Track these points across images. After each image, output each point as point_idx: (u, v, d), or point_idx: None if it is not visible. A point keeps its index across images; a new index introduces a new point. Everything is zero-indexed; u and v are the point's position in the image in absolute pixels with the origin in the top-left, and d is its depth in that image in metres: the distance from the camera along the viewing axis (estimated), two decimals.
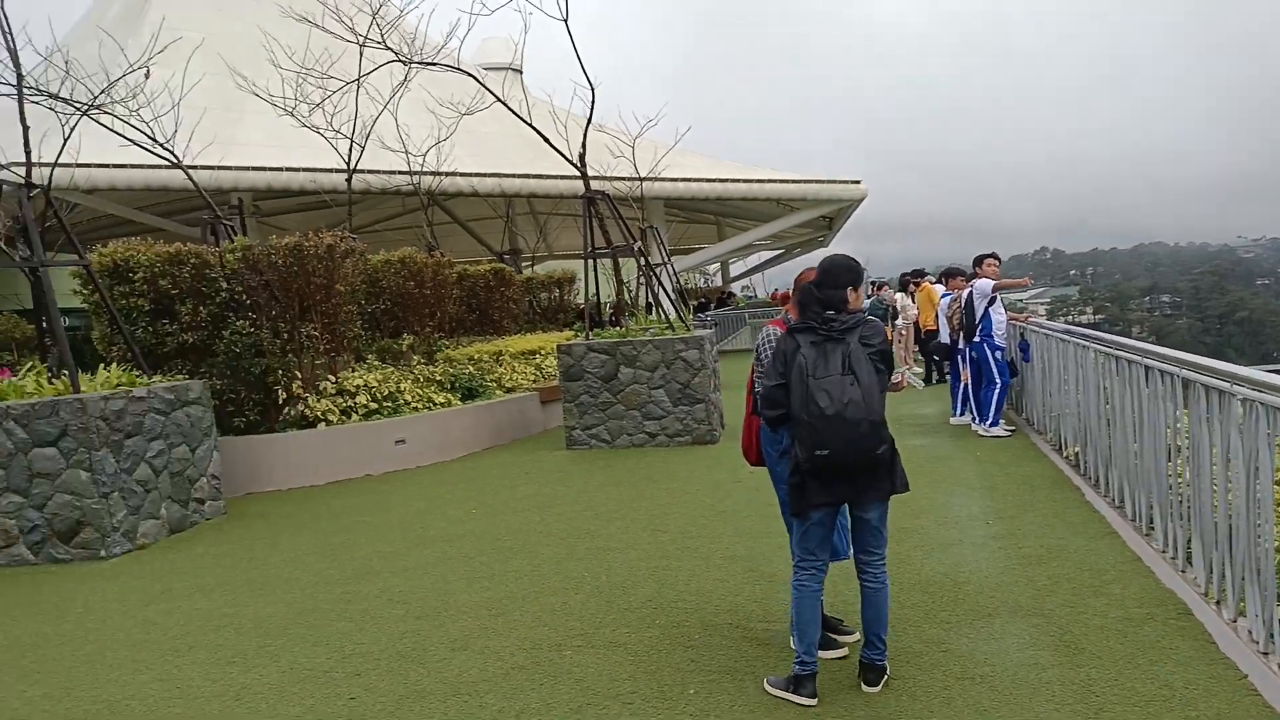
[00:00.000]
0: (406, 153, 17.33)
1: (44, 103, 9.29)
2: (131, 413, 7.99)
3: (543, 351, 15.32)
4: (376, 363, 12.14)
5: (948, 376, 13.73)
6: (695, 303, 33.41)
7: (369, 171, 17.22)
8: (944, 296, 12.64)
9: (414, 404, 11.55)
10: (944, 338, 12.40)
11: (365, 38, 12.84)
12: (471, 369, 13.28)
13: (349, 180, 15.51)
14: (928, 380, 16.02)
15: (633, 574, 5.98)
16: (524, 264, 27.31)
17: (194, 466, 8.70)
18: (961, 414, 11.43)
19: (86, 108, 9.59)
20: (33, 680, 4.96)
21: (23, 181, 8.07)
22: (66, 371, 8.00)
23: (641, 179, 19.92)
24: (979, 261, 10.85)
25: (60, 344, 8.14)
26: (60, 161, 9.09)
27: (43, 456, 7.55)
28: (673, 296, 14.35)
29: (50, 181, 8.49)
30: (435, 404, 11.84)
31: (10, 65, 8.19)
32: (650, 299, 13.81)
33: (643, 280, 14.56)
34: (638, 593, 5.59)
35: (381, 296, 13.35)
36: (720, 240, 36.24)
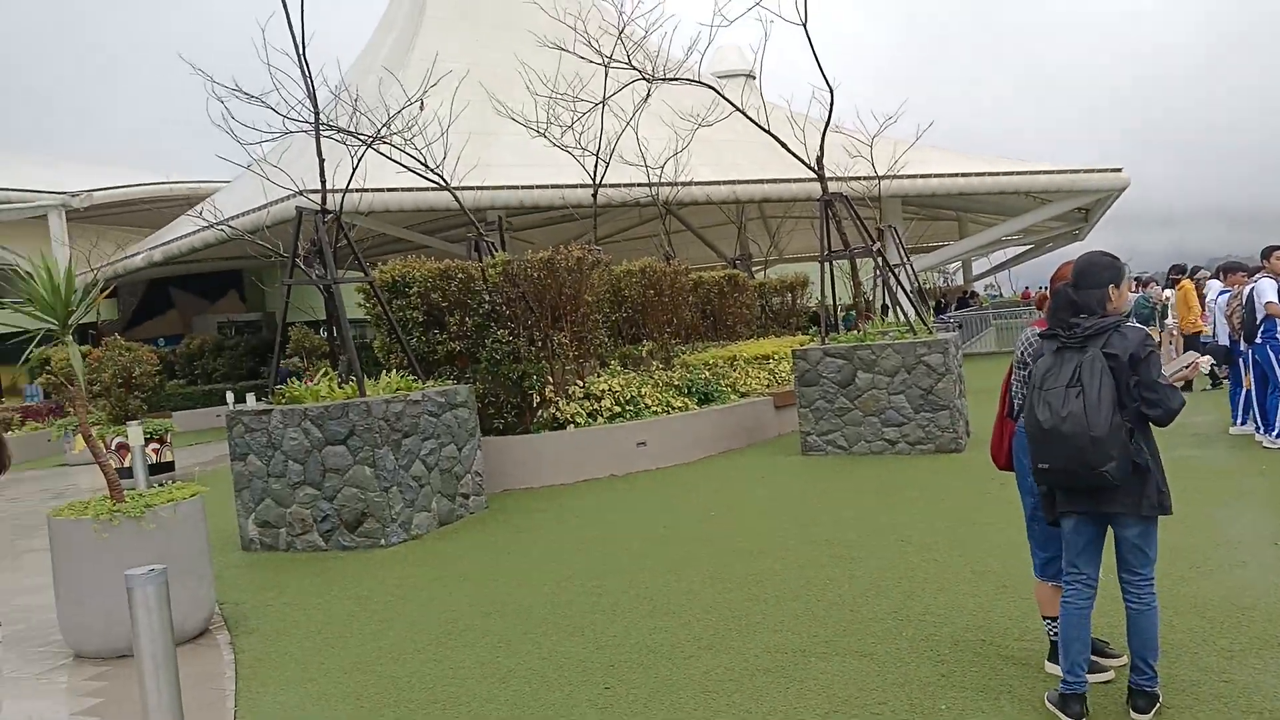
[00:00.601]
0: (645, 165, 17.92)
1: (335, 137, 10.45)
2: (408, 415, 8.83)
3: (776, 356, 15.36)
4: (619, 368, 12.67)
5: (1225, 381, 12.48)
6: (934, 303, 32.21)
7: (611, 185, 17.98)
8: (1221, 293, 11.52)
9: (654, 408, 11.96)
10: (1223, 339, 11.29)
11: (611, 59, 13.44)
12: (707, 374, 13.55)
13: (594, 195, 16.26)
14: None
15: (876, 583, 5.93)
16: (755, 269, 27.43)
17: (460, 464, 9.47)
18: (1243, 423, 10.37)
19: (371, 140, 10.70)
20: (328, 654, 5.63)
21: (319, 208, 9.14)
22: (354, 378, 8.96)
23: (879, 178, 19.48)
24: (1267, 254, 9.79)
25: (349, 353, 9.14)
26: (344, 187, 10.20)
27: (334, 454, 8.50)
28: (911, 297, 13.97)
29: (341, 207, 9.56)
30: (674, 408, 12.19)
31: (309, 106, 9.31)
32: (888, 301, 13.52)
33: (880, 282, 14.27)
34: (882, 603, 5.53)
35: (623, 305, 13.90)
36: (962, 237, 34.69)
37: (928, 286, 37.00)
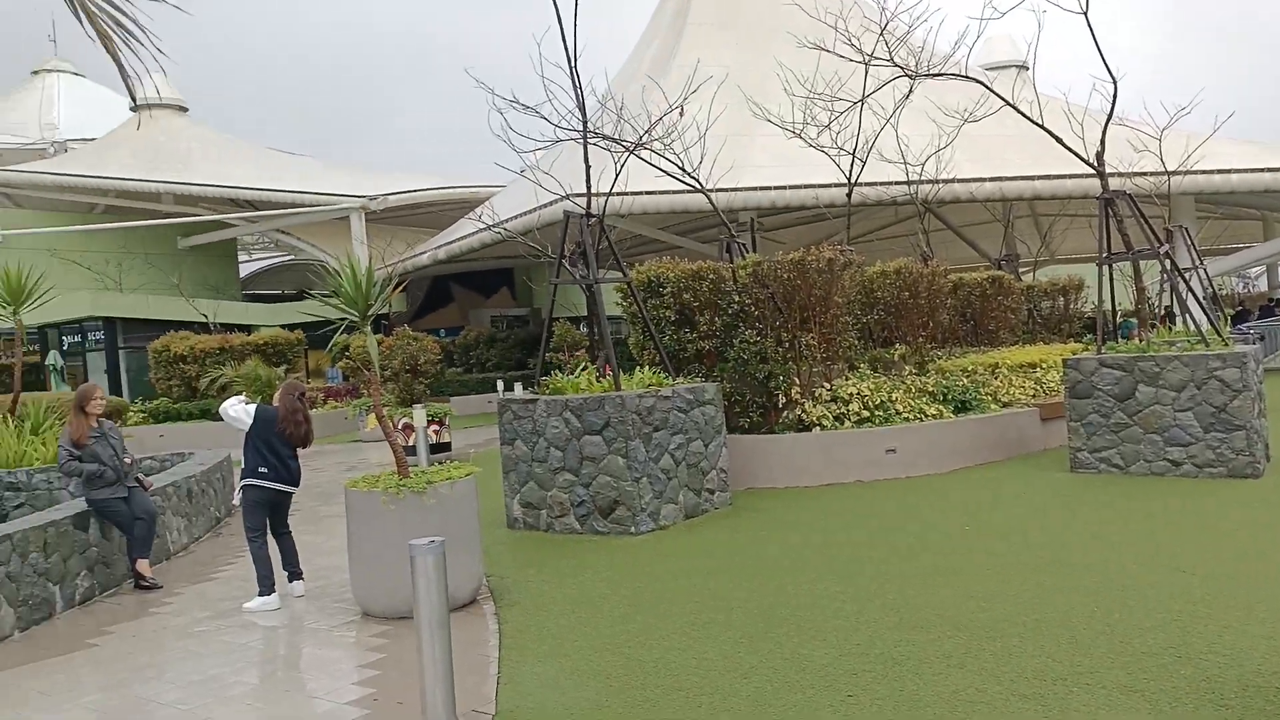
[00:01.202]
0: (905, 163, 17.40)
1: (600, 144, 10.98)
2: (659, 409, 9.13)
3: (1043, 365, 14.41)
4: (869, 371, 12.40)
5: None
6: (1232, 311, 28.87)
7: (867, 184, 17.60)
8: None
9: (905, 414, 11.60)
10: None
11: (872, 57, 13.18)
12: (965, 381, 12.96)
13: (849, 194, 16.00)
14: None
15: (1151, 615, 5.46)
16: (1023, 270, 25.81)
17: (706, 460, 9.67)
18: None
19: (634, 147, 11.15)
20: (580, 632, 5.95)
21: (584, 212, 9.65)
22: (611, 373, 9.39)
23: (1169, 173, 17.78)
24: None
25: (607, 349, 9.59)
26: (608, 192, 10.69)
27: (591, 443, 8.94)
28: (1204, 305, 12.64)
29: (604, 210, 10.04)
30: (926, 415, 11.77)
31: (579, 116, 9.85)
32: (1176, 308, 12.30)
33: (1168, 287, 13.02)
34: (1157, 636, 5.09)
35: (875, 307, 13.58)
36: (1268, 239, 30.87)
37: (1224, 293, 33.19)
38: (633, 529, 8.73)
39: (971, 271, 16.99)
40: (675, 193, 19.31)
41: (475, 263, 34.43)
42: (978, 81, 12.80)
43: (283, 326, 27.35)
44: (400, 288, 7.30)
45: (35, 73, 54.09)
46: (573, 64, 9.76)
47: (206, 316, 27.60)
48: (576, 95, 9.80)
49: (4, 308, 10.59)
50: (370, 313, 6.86)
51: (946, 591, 6.24)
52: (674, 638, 5.67)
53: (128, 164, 35.66)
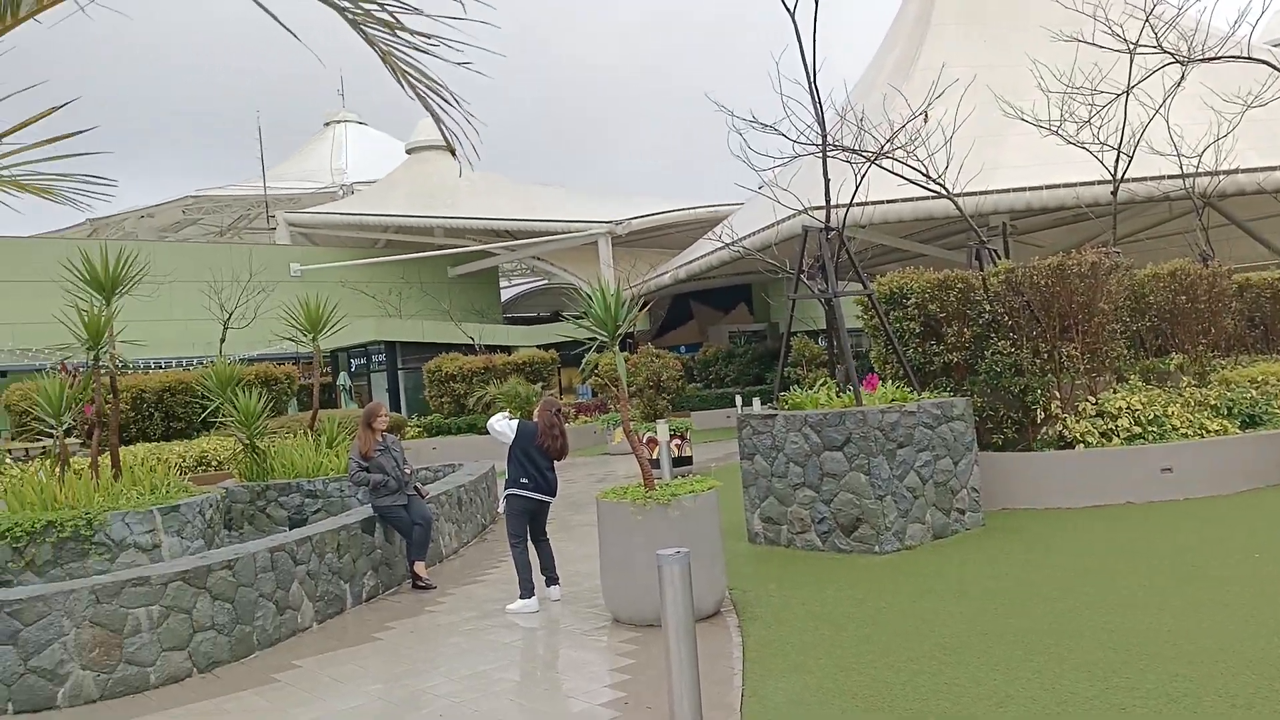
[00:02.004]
0: (1179, 155, 15.90)
1: (840, 157, 10.89)
2: (903, 425, 8.89)
3: None
4: (1140, 384, 11.41)
5: None
6: None
7: (1135, 180, 16.24)
8: None
9: (1182, 429, 10.58)
10: None
11: (1136, 44, 12.20)
12: (1254, 393, 11.62)
13: (1114, 192, 14.84)
14: None
15: None
16: None
17: (955, 478, 9.29)
18: None
19: (875, 158, 10.97)
20: (823, 649, 5.91)
21: (823, 225, 9.61)
22: (852, 387, 9.26)
23: None
24: None
25: (847, 363, 9.47)
26: (848, 203, 10.56)
27: (831, 459, 8.86)
28: None
29: (844, 223, 9.94)
30: (1208, 431, 10.66)
31: (817, 130, 9.84)
32: None
33: None
34: None
35: (1147, 313, 12.49)
36: None
37: None
38: (876, 548, 8.55)
39: (1261, 271, 15.22)
40: (919, 199, 18.72)
41: (714, 280, 34.95)
42: (1263, 62, 11.52)
43: (539, 347, 29.06)
44: (645, 308, 7.62)
45: (327, 124, 60.86)
46: (812, 79, 9.76)
47: (473, 339, 29.83)
48: (816, 110, 9.79)
49: (305, 335, 12.03)
50: (619, 332, 7.19)
51: (1231, 624, 5.65)
52: (922, 660, 5.52)
53: (405, 202, 39.35)
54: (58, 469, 8.88)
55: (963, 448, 9.43)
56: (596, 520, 7.22)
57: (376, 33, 2.26)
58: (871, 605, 6.87)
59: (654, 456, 15.51)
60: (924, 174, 13.08)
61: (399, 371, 33.33)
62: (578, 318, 7.97)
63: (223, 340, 20.83)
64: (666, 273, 31.63)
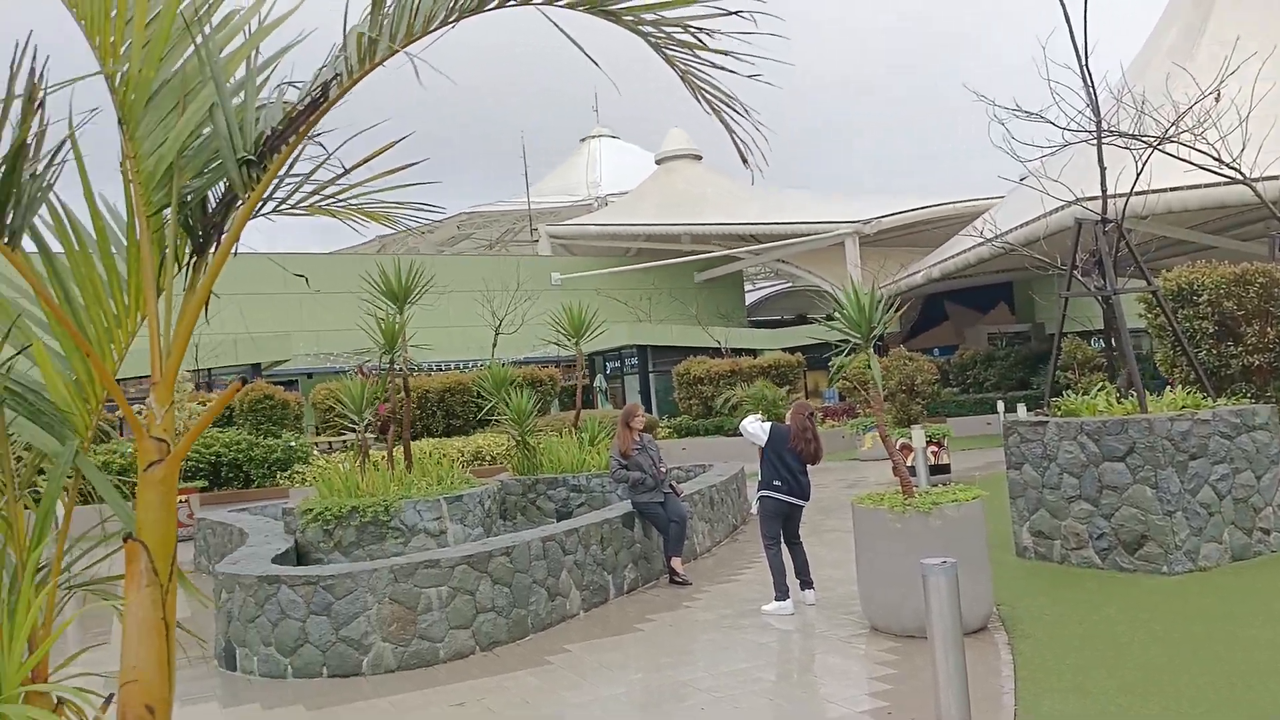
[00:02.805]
0: None
1: (1117, 143, 10.10)
2: (1196, 435, 8.10)
3: None
4: None
5: None
6: None
7: None
8: None
9: None
10: None
11: None
12: None
13: None
14: None
15: None
16: None
17: (1259, 494, 8.35)
18: None
19: (1158, 142, 10.09)
20: (1102, 670, 5.51)
21: (1099, 217, 8.95)
22: (1134, 392, 8.55)
23: None
24: None
25: (1129, 366, 8.75)
26: (1127, 193, 9.77)
27: (1111, 470, 8.22)
28: None
29: (1122, 214, 9.21)
30: None
31: (1090, 115, 9.18)
32: None
33: None
34: None
35: None
36: None
37: None
38: (1164, 568, 7.84)
39: None
40: (1210, 186, 16.93)
41: (970, 278, 33.30)
42: None
43: (784, 350, 28.98)
44: (901, 309, 7.43)
45: (583, 140, 63.89)
46: (1083, 62, 9.13)
47: (720, 342, 30.22)
48: (1089, 94, 9.14)
49: (569, 339, 12.76)
50: (872, 335, 7.08)
51: None
52: (1221, 691, 5.03)
53: (654, 211, 40.58)
54: (359, 460, 9.95)
55: (1267, 460, 8.45)
56: (851, 526, 7.14)
57: (675, 53, 2.41)
58: (1160, 627, 6.33)
59: (908, 464, 15.04)
60: (1215, 158, 11.83)
61: (650, 374, 34.36)
62: (828, 318, 7.91)
63: (494, 345, 22.41)
64: (919, 271, 30.51)
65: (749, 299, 49.49)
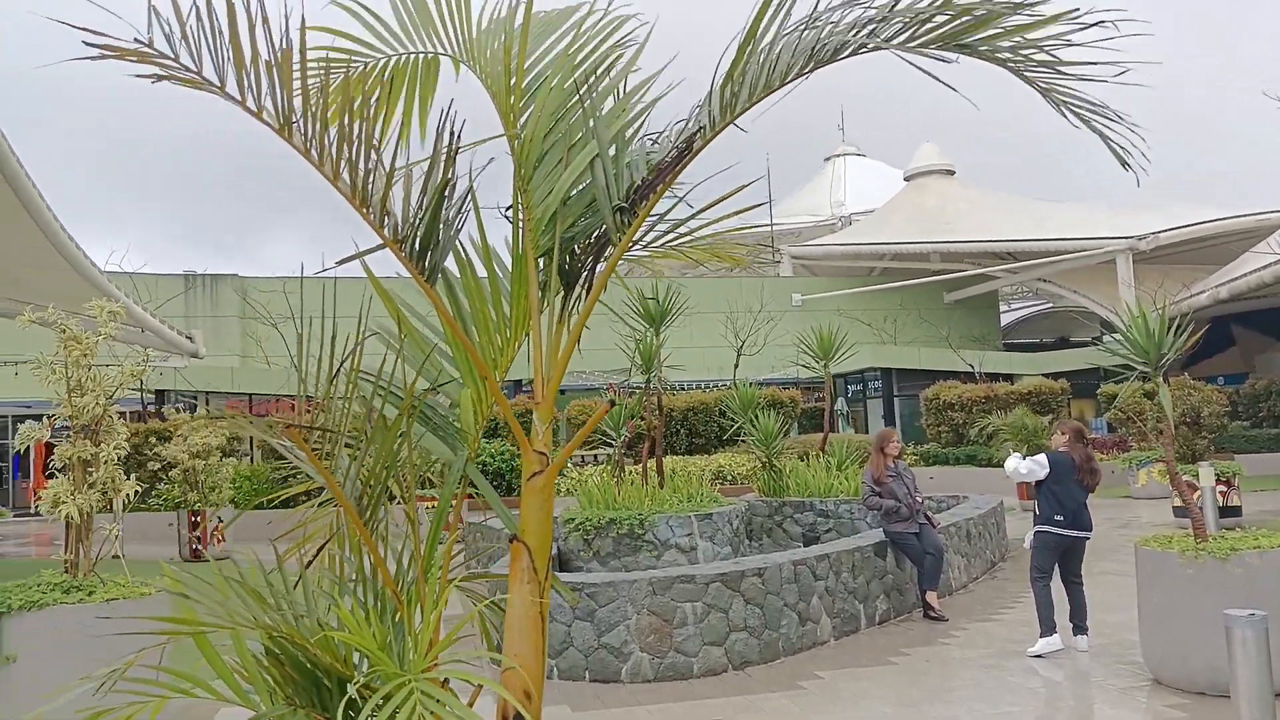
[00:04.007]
0: None
1: None
2: None
3: None
4: None
5: None
6: None
7: None
8: None
9: None
10: None
11: None
12: None
13: None
14: None
15: None
16: None
17: None
18: None
19: None
20: None
21: None
22: None
23: None
24: None
25: None
26: None
27: None
28: None
29: None
30: None
31: None
32: None
33: None
34: None
35: None
36: None
37: None
38: None
39: None
40: None
41: (1263, 300, 29.82)
42: None
43: (1045, 375, 27.19)
44: (1198, 334, 6.75)
45: (827, 159, 63.27)
46: None
47: (973, 366, 28.84)
48: None
49: (817, 361, 12.69)
50: (1163, 362, 6.57)
51: None
52: None
53: (901, 229, 39.48)
54: (615, 474, 10.39)
55: None
56: (1128, 568, 6.63)
57: (1035, 74, 2.42)
58: None
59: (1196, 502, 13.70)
60: None
61: (894, 398, 33.35)
62: (1097, 341, 7.40)
63: (735, 366, 22.63)
64: (1203, 292, 27.72)
65: (1004, 320, 46.92)
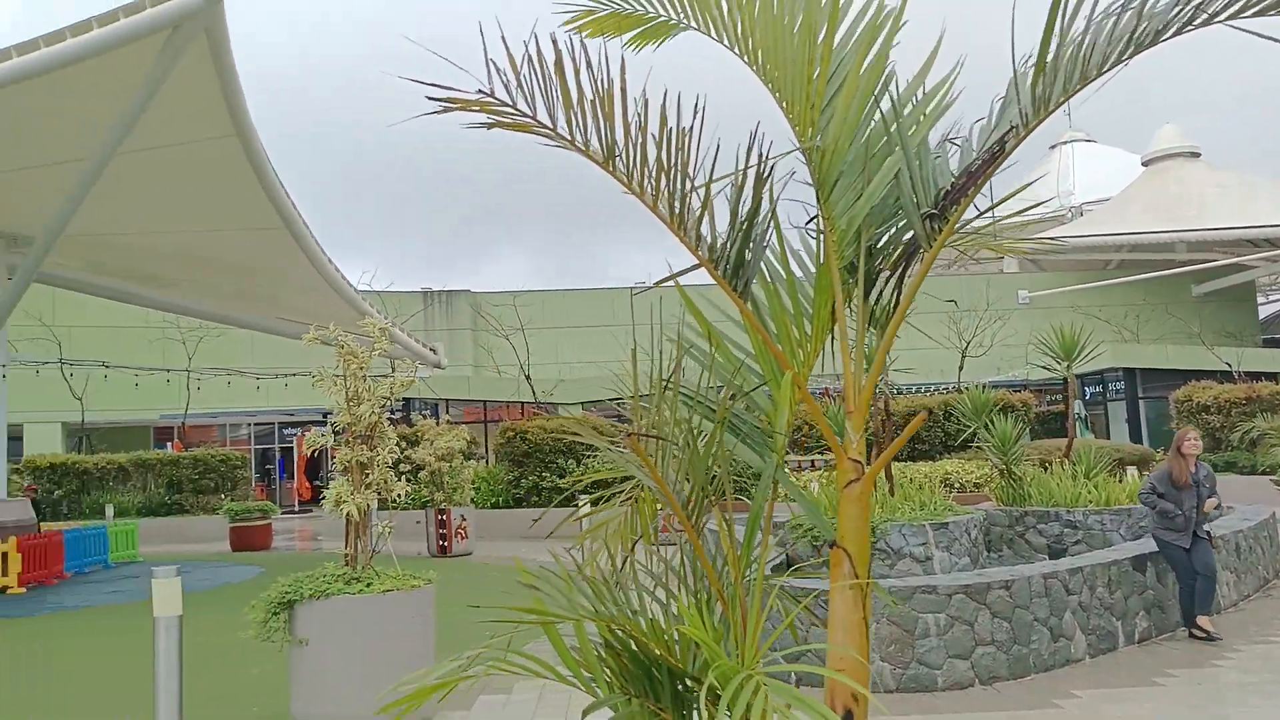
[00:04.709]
0: None
1: None
2: None
3: None
4: None
5: None
6: None
7: None
8: None
9: None
10: None
11: None
12: None
13: None
14: None
15: None
16: None
17: None
18: None
19: None
20: None
21: None
22: None
23: None
24: None
25: None
26: None
27: None
28: None
29: None
30: None
31: None
32: None
33: None
34: None
35: None
36: None
37: None
38: None
39: None
40: None
41: None
42: None
43: None
44: None
45: (1053, 147, 59.52)
46: None
47: (1230, 365, 26.28)
48: None
49: (1059, 362, 11.99)
50: None
51: None
52: None
53: (1140, 218, 36.51)
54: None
55: None
56: None
57: None
58: None
59: None
60: None
61: (1139, 400, 30.89)
62: None
63: (960, 368, 21.74)
64: None
65: (1262, 313, 42.40)
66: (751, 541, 2.71)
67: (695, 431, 2.65)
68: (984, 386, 15.44)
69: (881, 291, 2.90)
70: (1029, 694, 6.71)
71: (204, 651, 8.62)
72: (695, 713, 2.28)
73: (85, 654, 9.71)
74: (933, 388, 27.32)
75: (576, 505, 15.71)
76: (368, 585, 6.65)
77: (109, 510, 22.08)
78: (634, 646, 2.31)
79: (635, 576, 2.60)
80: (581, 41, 2.15)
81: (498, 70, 2.08)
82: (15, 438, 21.36)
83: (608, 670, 2.32)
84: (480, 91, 2.08)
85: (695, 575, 2.62)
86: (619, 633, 2.29)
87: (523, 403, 27.61)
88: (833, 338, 2.83)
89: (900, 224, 2.84)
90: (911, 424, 2.91)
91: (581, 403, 29.73)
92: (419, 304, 36.52)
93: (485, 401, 30.36)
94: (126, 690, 7.79)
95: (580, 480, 3.50)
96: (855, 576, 2.58)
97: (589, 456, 19.93)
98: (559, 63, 2.13)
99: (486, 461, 23.60)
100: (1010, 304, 34.21)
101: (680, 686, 2.37)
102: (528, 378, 25.45)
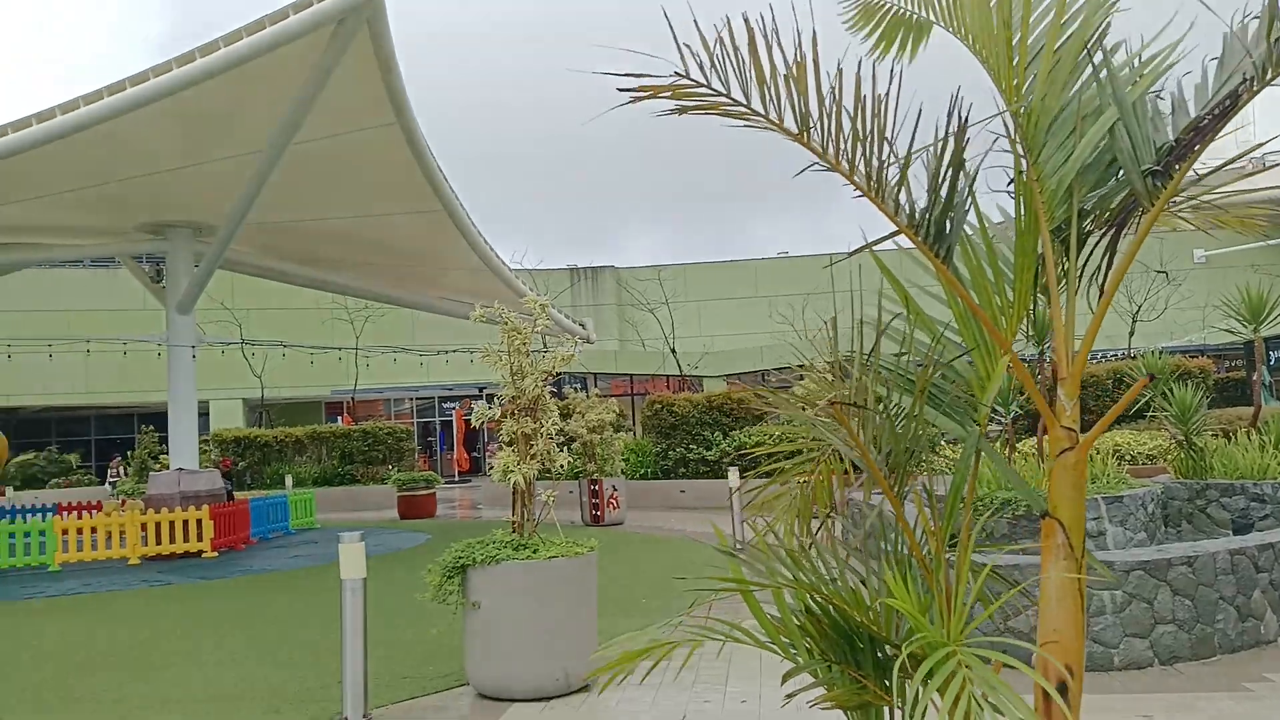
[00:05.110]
0: None
1: None
2: None
3: None
4: None
5: None
6: None
7: None
8: None
9: None
10: None
11: None
12: None
13: None
14: None
15: None
16: None
17: None
18: None
19: None
20: None
21: None
22: None
23: None
24: None
25: None
26: None
27: None
28: None
29: None
30: None
31: None
32: None
33: None
34: None
35: None
36: None
37: None
38: None
39: None
40: None
41: None
42: None
43: None
44: None
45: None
46: None
47: None
48: None
49: (1245, 325, 11.15)
50: None
51: None
52: None
53: None
54: (1006, 452, 9.90)
55: None
56: None
57: None
58: None
59: None
60: None
61: None
62: None
63: (1130, 334, 20.51)
64: None
65: None
66: (953, 513, 2.69)
67: (895, 405, 2.65)
68: (1159, 352, 14.55)
69: (1091, 253, 2.80)
70: (1214, 675, 6.36)
71: (385, 611, 9.19)
72: (893, 680, 2.29)
73: (279, 611, 10.51)
74: (1100, 355, 25.89)
75: (726, 476, 15.75)
76: (534, 551, 6.90)
77: (289, 480, 23.70)
78: (834, 614, 2.34)
79: (834, 546, 2.62)
80: (773, 17, 2.16)
81: (690, 52, 2.12)
82: (202, 414, 23.21)
83: (808, 638, 2.35)
84: (676, 74, 2.13)
85: (896, 545, 2.62)
86: (819, 600, 2.32)
87: (668, 375, 27.83)
88: (1034, 303, 2.76)
89: (1111, 185, 2.74)
90: (1131, 390, 2.81)
91: (725, 375, 29.71)
92: (566, 281, 37.28)
93: (631, 375, 30.78)
94: (315, 644, 8.40)
95: (750, 448, 3.54)
96: (1070, 548, 2.53)
97: (736, 429, 19.94)
98: (752, 40, 2.15)
99: (634, 434, 23.98)
100: (1184, 264, 31.97)
101: (879, 655, 2.39)
102: (673, 351, 25.61)
